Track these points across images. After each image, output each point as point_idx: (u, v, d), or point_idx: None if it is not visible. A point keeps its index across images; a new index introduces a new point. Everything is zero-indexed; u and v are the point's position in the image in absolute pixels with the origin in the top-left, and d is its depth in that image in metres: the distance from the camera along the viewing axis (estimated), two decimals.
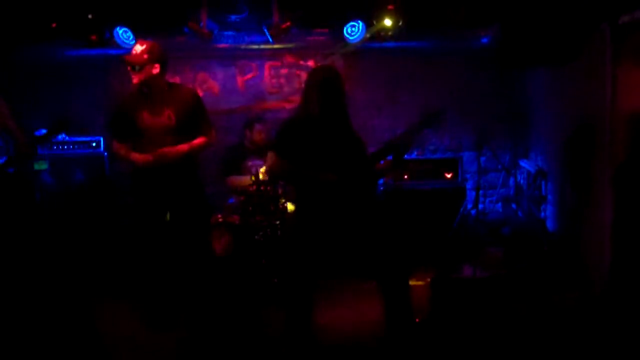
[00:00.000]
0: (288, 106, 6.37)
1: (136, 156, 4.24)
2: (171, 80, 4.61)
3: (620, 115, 4.43)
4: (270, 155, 3.54)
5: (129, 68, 4.15)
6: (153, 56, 4.16)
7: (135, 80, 4.16)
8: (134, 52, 4.15)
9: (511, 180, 6.71)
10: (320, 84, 3.54)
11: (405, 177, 6.03)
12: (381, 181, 6.00)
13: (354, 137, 3.66)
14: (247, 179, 5.14)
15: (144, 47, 4.15)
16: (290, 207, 5.08)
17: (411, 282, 3.69)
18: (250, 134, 5.69)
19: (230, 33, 6.13)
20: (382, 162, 3.72)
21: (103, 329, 4.25)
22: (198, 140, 4.32)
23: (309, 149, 3.49)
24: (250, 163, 5.62)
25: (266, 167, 3.61)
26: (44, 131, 4.55)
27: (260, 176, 4.99)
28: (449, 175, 6.08)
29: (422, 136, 3.70)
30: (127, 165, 4.38)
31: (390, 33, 5.58)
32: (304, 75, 6.50)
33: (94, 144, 5.82)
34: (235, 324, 4.43)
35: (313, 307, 3.64)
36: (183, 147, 4.23)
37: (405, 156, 3.72)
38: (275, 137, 3.61)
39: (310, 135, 3.50)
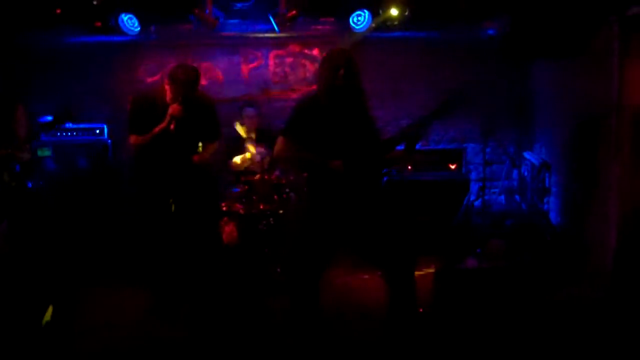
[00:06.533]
0: (293, 95, 6.35)
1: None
2: None
3: (627, 109, 4.41)
4: (279, 140, 3.54)
5: (176, 96, 4.16)
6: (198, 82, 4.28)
7: (180, 111, 4.16)
8: (185, 80, 4.13)
9: (515, 173, 6.69)
10: (330, 67, 3.47)
11: (409, 167, 6.00)
12: (385, 171, 5.96)
13: (366, 123, 3.63)
14: (244, 158, 5.24)
15: (192, 78, 4.18)
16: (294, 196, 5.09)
17: (415, 273, 3.69)
18: (241, 119, 5.62)
19: (235, 21, 6.10)
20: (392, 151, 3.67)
21: (108, 317, 4.28)
22: (213, 147, 4.53)
23: (318, 134, 3.47)
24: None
25: (274, 152, 3.60)
26: (49, 118, 4.53)
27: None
28: (452, 167, 6.07)
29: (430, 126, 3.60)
30: (131, 153, 4.39)
31: (396, 23, 5.56)
32: (309, 64, 6.48)
33: (97, 131, 5.81)
34: (239, 312, 4.43)
35: (319, 296, 3.64)
36: (208, 155, 4.47)
37: (417, 146, 3.63)
38: (286, 121, 3.60)
39: (320, 120, 3.48)
